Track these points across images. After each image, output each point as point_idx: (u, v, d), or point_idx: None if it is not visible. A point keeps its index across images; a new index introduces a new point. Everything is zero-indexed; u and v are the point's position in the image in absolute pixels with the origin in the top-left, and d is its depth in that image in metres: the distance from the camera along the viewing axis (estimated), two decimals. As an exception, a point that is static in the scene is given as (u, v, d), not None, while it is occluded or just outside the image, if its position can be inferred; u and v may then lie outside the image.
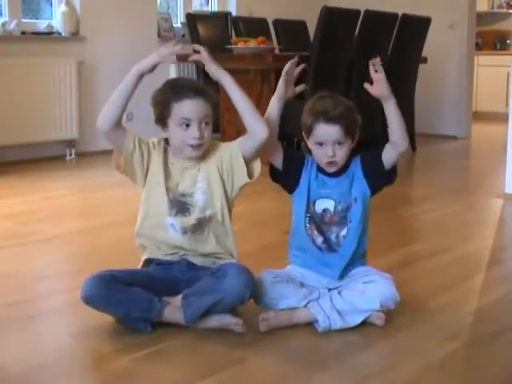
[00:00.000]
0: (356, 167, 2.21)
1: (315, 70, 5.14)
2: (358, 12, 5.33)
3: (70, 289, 2.40)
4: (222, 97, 6.32)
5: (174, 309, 2.08)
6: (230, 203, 2.21)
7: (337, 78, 5.32)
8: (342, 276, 2.21)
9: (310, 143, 2.19)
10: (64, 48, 5.50)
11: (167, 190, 2.16)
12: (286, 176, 2.23)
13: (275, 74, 5.16)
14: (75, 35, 5.56)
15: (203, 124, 2.11)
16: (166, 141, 2.19)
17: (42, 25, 5.53)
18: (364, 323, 2.09)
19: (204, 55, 2.11)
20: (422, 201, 4.18)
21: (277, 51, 5.76)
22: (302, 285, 2.19)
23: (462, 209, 3.91)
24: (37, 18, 5.67)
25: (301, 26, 6.63)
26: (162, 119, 2.13)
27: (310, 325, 2.09)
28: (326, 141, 2.13)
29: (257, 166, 2.19)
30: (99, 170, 5.08)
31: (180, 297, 2.08)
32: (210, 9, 6.94)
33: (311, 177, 2.21)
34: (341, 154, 2.15)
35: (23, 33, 5.33)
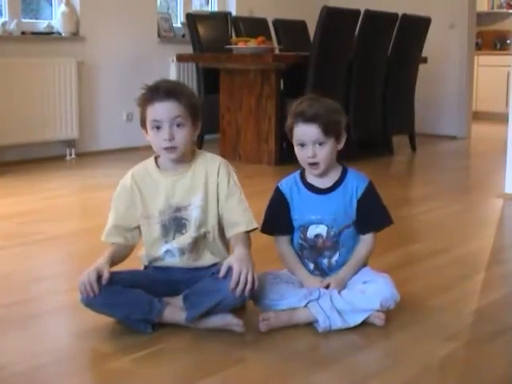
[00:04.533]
0: (356, 190, 2.19)
1: (315, 70, 5.14)
2: (358, 12, 5.33)
3: (69, 289, 2.40)
4: (222, 97, 6.30)
5: (174, 309, 2.08)
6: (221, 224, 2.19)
7: (337, 77, 5.33)
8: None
9: (294, 145, 2.20)
10: (64, 48, 5.50)
11: (160, 214, 2.15)
12: (278, 224, 2.24)
13: (275, 74, 5.17)
14: (75, 35, 5.56)
15: (174, 126, 2.08)
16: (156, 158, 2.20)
17: (41, 25, 5.53)
18: (364, 323, 2.09)
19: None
20: (422, 201, 4.17)
21: (277, 51, 5.76)
22: (301, 285, 2.19)
23: (461, 209, 3.91)
24: (37, 18, 5.67)
25: (301, 25, 6.64)
26: (143, 122, 2.14)
27: (310, 325, 2.09)
28: (306, 141, 2.14)
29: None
30: (99, 170, 5.08)
31: (180, 297, 2.09)
32: (210, 9, 6.94)
33: (298, 202, 2.21)
34: (322, 154, 2.14)
35: (23, 33, 5.34)
